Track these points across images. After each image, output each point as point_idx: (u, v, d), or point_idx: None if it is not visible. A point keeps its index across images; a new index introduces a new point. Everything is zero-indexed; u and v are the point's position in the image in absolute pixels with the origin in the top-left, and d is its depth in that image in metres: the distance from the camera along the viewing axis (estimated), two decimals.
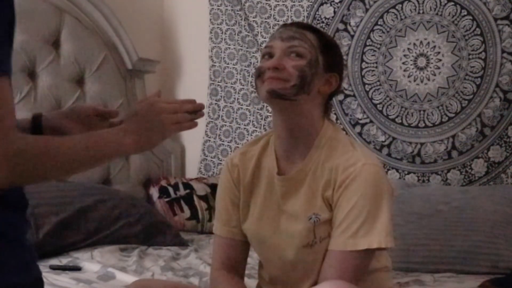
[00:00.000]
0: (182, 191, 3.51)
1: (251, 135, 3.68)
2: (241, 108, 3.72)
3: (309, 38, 1.72)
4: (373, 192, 1.67)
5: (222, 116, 3.80)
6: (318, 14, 3.47)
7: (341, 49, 1.86)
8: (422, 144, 3.22)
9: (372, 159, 1.73)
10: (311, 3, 3.49)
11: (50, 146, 1.15)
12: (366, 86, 3.36)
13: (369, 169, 1.68)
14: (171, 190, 3.51)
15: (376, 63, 3.34)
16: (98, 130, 1.40)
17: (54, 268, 2.50)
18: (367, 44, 3.36)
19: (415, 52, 3.24)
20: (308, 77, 1.70)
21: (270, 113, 3.44)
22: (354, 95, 3.39)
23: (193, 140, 3.82)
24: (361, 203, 1.65)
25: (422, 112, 3.22)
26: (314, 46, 1.72)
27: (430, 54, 3.21)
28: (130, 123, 1.33)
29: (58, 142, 1.18)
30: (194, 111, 1.42)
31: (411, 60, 3.25)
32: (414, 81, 3.24)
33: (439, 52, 3.19)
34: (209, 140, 3.82)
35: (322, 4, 3.47)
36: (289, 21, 3.49)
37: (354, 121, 3.38)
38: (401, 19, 3.27)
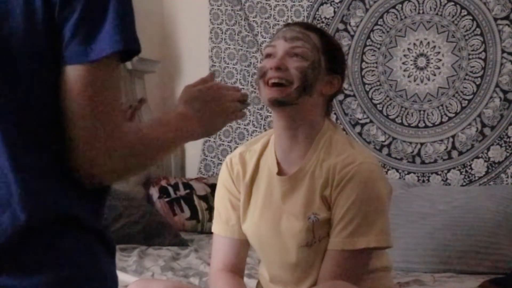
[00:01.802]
0: (182, 191, 3.51)
1: (251, 135, 3.68)
2: None
3: (312, 39, 1.72)
4: (371, 191, 1.67)
5: None
6: (318, 14, 3.47)
7: None
8: (422, 144, 3.22)
9: (369, 158, 1.73)
10: (311, 3, 3.49)
11: (146, 139, 1.15)
12: (366, 86, 3.36)
13: (367, 168, 1.68)
14: (171, 190, 3.51)
15: (376, 63, 3.34)
16: None
17: None
18: (367, 44, 3.36)
19: (415, 52, 3.24)
20: (311, 79, 1.69)
21: (270, 113, 3.44)
22: (354, 95, 3.39)
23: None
24: (359, 203, 1.65)
25: (422, 112, 3.22)
26: (317, 47, 1.72)
27: (430, 54, 3.21)
28: (192, 107, 1.31)
29: (150, 133, 1.18)
30: (242, 100, 1.45)
31: (411, 60, 3.25)
32: (414, 81, 3.24)
33: (439, 52, 3.19)
34: (209, 140, 3.82)
35: (322, 4, 3.47)
36: (289, 21, 3.49)
37: (354, 121, 3.38)
38: (401, 19, 3.27)
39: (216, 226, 1.86)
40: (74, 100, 1.05)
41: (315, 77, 1.70)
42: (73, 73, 1.05)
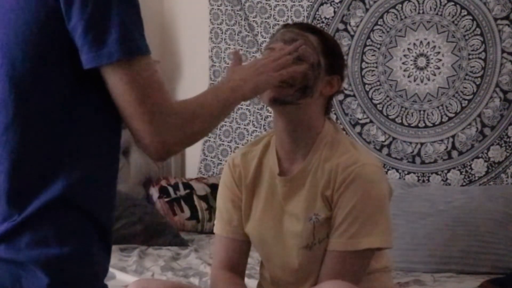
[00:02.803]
0: (182, 191, 3.51)
1: (251, 135, 3.68)
2: (241, 108, 3.72)
3: (311, 41, 1.72)
4: (373, 192, 1.67)
5: None
6: (318, 14, 3.47)
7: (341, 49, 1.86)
8: (422, 144, 3.21)
9: (372, 159, 1.74)
10: (311, 3, 3.49)
11: (199, 104, 1.27)
12: (366, 86, 3.36)
13: (369, 169, 1.68)
14: (171, 190, 3.51)
15: (376, 63, 3.34)
16: None
17: None
18: (367, 44, 3.36)
19: (415, 52, 3.24)
20: (311, 81, 1.69)
21: (270, 113, 3.44)
22: (354, 95, 3.39)
23: None
24: (361, 204, 1.65)
25: (422, 112, 3.22)
26: (316, 48, 1.72)
27: (430, 54, 3.21)
28: (237, 72, 1.47)
29: (201, 99, 1.30)
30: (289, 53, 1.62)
31: (411, 60, 3.25)
32: (414, 81, 3.24)
33: (439, 52, 3.19)
34: (209, 140, 3.82)
35: (322, 4, 3.46)
36: (289, 21, 3.49)
37: (354, 121, 3.38)
38: (401, 19, 3.27)
39: (218, 227, 1.87)
40: (117, 100, 1.16)
41: (315, 78, 1.71)
42: (106, 77, 1.15)
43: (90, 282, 1.21)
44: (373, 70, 3.35)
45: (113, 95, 1.17)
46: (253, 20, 3.65)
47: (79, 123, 1.18)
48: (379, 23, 3.33)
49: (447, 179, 3.15)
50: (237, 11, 3.69)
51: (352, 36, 3.39)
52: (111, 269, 2.46)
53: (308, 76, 1.69)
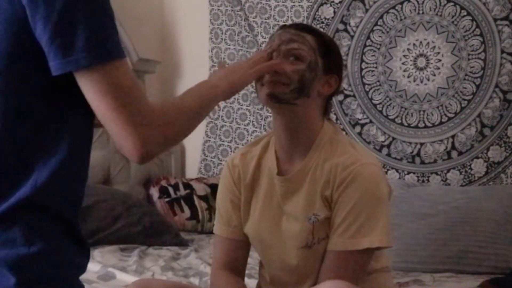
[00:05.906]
0: (182, 191, 3.51)
1: (251, 135, 3.69)
2: (241, 108, 3.73)
3: (308, 40, 1.72)
4: (373, 192, 1.67)
5: (222, 116, 3.80)
6: (318, 15, 3.48)
7: (341, 49, 1.86)
8: (422, 144, 3.22)
9: (371, 159, 1.73)
10: (311, 4, 3.50)
11: (176, 105, 1.29)
12: (366, 86, 3.37)
13: (369, 168, 1.68)
14: (171, 190, 3.51)
15: (376, 63, 3.34)
16: None
17: None
18: (367, 44, 3.36)
19: (415, 53, 3.24)
20: (308, 81, 1.70)
21: (270, 113, 3.44)
22: (354, 95, 3.39)
23: (193, 140, 3.82)
24: (361, 203, 1.65)
25: (422, 112, 3.22)
26: (313, 48, 1.72)
27: (430, 55, 3.21)
28: (216, 73, 1.54)
29: (180, 104, 1.31)
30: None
31: (410, 61, 3.26)
32: (414, 81, 3.25)
33: (438, 53, 3.19)
34: (209, 140, 3.83)
35: (322, 4, 3.47)
36: (289, 22, 3.49)
37: (354, 121, 3.39)
38: (401, 20, 3.28)
39: (218, 227, 1.87)
40: (92, 104, 1.16)
41: (313, 78, 1.70)
42: (79, 82, 1.15)
43: (60, 281, 1.21)
44: (373, 71, 3.35)
45: (88, 99, 1.16)
46: (253, 21, 3.65)
47: (50, 126, 1.18)
48: (379, 23, 3.33)
49: (447, 179, 3.15)
50: (237, 11, 3.69)
51: (352, 37, 3.39)
52: (111, 269, 2.48)
53: (305, 76, 1.69)
